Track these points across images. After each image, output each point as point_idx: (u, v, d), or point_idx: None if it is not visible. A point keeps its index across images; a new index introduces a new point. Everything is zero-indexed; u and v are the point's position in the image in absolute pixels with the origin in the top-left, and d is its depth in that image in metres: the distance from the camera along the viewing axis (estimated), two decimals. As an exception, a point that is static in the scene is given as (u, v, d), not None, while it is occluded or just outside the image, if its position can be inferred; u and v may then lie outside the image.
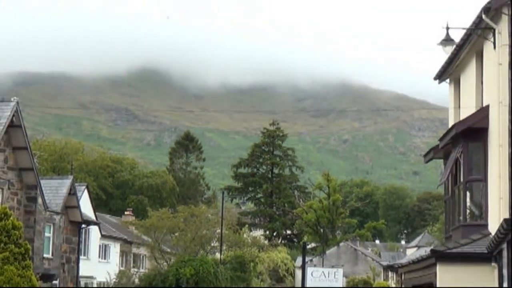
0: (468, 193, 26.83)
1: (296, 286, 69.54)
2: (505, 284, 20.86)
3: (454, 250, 24.48)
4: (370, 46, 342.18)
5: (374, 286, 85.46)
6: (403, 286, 35.22)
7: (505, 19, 23.55)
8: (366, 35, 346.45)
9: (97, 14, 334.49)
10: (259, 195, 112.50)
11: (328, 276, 32.50)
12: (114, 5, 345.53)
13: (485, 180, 25.61)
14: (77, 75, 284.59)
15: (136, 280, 61.75)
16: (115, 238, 72.45)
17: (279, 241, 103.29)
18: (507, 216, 21.22)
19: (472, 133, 25.84)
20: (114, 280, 62.73)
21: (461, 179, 27.05)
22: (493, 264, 22.81)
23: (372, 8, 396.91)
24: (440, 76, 31.08)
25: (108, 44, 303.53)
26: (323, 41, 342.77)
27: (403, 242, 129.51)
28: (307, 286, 32.00)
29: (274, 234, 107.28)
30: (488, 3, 23.77)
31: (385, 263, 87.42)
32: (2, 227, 35.24)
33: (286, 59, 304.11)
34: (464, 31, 26.47)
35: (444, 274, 24.05)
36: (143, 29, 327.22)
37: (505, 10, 23.47)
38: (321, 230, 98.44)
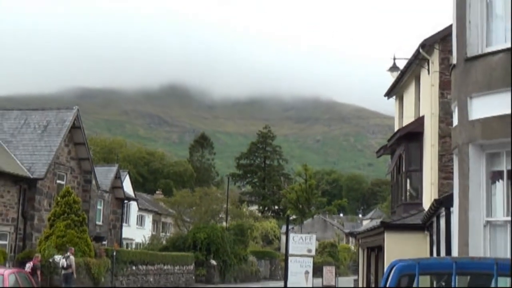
0: (408, 180, 26.68)
1: (281, 247, 69.96)
2: (434, 247, 20.90)
3: (397, 222, 24.75)
4: (338, 66, 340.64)
5: (339, 247, 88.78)
6: (360, 248, 34.45)
7: (436, 52, 23.65)
8: (334, 58, 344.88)
9: (136, 41, 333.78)
10: (255, 180, 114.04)
11: (305, 240, 30.22)
12: (150, 35, 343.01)
13: (420, 170, 25.43)
14: (121, 89, 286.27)
15: (164, 242, 62.52)
16: (148, 211, 73.00)
17: (269, 214, 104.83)
18: (436, 197, 20.87)
19: (412, 136, 25.83)
20: (148, 241, 62.79)
21: (403, 170, 27.11)
22: (425, 232, 22.79)
23: (340, 35, 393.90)
24: (389, 94, 31.25)
25: (144, 65, 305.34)
26: (302, 63, 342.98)
27: (360, 215, 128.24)
28: (290, 247, 30.02)
29: (266, 208, 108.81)
30: (424, 40, 23.85)
31: (347, 231, 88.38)
32: (66, 202, 37.11)
33: (275, 78, 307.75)
34: (406, 61, 26.49)
35: (390, 239, 24.00)
36: (170, 52, 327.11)
37: (436, 46, 23.55)
38: (300, 206, 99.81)
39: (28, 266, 31.83)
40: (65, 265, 33.38)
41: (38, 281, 31.51)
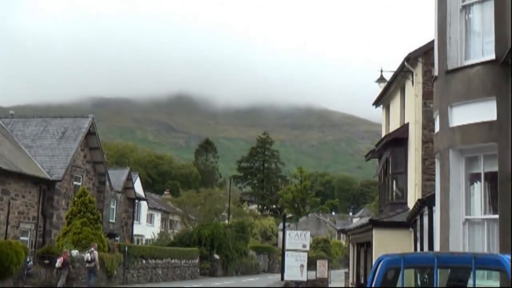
0: (394, 182, 26.49)
1: (279, 243, 69.59)
2: (418, 243, 20.64)
3: (385, 220, 24.51)
4: (329, 77, 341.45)
5: (331, 243, 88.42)
6: (350, 243, 34.12)
7: (419, 65, 23.64)
8: (326, 70, 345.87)
9: (146, 54, 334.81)
10: (254, 181, 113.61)
11: (300, 236, 30.80)
12: (158, 49, 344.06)
13: (405, 172, 25.29)
14: (132, 99, 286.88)
15: (171, 238, 62.25)
16: (157, 209, 72.97)
17: (268, 212, 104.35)
18: (420, 197, 20.81)
19: (397, 141, 25.68)
20: (156, 238, 62.92)
21: (390, 172, 26.86)
22: (410, 229, 22.59)
23: (330, 50, 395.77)
24: (377, 103, 30.96)
25: (153, 76, 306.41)
26: (297, 74, 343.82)
27: (350, 214, 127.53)
28: (286, 243, 30.58)
29: (264, 207, 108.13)
30: (409, 54, 23.80)
31: (338, 228, 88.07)
32: (82, 201, 37.25)
33: (272, 88, 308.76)
34: (392, 73, 26.52)
35: (378, 236, 23.71)
36: (177, 65, 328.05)
37: (420, 60, 23.55)
38: (296, 205, 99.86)
39: (59, 261, 32.29)
40: (89, 259, 33.80)
41: (68, 274, 32.56)
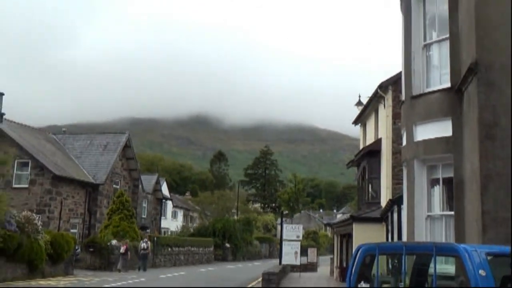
0: (370, 185, 26.43)
1: (277, 234, 69.56)
2: (389, 234, 20.47)
3: (362, 215, 24.61)
4: (320, 102, 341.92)
5: (319, 234, 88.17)
6: (335, 234, 34.13)
7: (390, 92, 23.71)
8: (314, 95, 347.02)
9: (170, 81, 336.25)
10: (258, 185, 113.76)
11: (294, 229, 30.70)
12: (181, 76, 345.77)
13: (379, 178, 25.34)
14: (160, 118, 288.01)
15: (191, 230, 62.09)
16: (180, 207, 72.78)
17: (268, 210, 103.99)
18: (390, 197, 21.06)
19: (372, 153, 25.74)
20: (179, 230, 62.81)
21: (366, 177, 26.84)
22: (383, 223, 22.53)
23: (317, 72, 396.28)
24: (356, 122, 31.12)
25: (177, 100, 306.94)
26: (292, 98, 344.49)
27: (335, 211, 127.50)
28: (283, 234, 30.37)
29: (266, 206, 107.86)
30: (381, 83, 23.98)
31: (325, 222, 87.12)
32: (120, 201, 37.33)
33: (271, 109, 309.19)
34: (368, 98, 26.87)
35: (357, 228, 23.82)
36: (195, 91, 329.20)
37: (390, 87, 23.65)
38: (291, 204, 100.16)
39: (123, 248, 33.20)
40: (144, 247, 34.92)
41: (128, 258, 33.47)
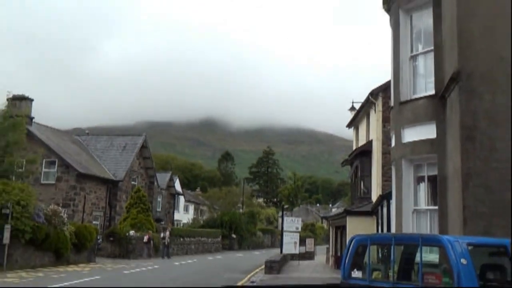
0: (362, 182, 26.28)
1: (278, 226, 69.51)
2: (379, 227, 20.37)
3: (355, 209, 24.48)
4: (317, 107, 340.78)
5: (316, 226, 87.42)
6: (330, 227, 34.09)
7: (380, 98, 23.67)
8: (312, 100, 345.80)
9: (182, 87, 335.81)
10: (261, 182, 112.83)
11: (294, 222, 30.54)
12: (193, 83, 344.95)
13: (370, 175, 25.25)
14: (173, 122, 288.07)
15: (201, 222, 61.62)
16: (191, 202, 72.43)
17: (270, 204, 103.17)
18: (380, 193, 21.02)
19: (364, 153, 25.62)
20: (191, 222, 62.96)
21: (359, 175, 26.73)
22: (374, 216, 22.46)
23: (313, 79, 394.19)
24: (350, 125, 31.08)
25: (189, 105, 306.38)
26: (291, 103, 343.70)
27: (330, 205, 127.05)
28: (284, 226, 30.13)
29: (268, 200, 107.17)
30: (372, 90, 23.97)
31: (321, 215, 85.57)
32: (137, 196, 37.22)
33: (272, 113, 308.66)
34: (360, 103, 26.74)
35: (350, 221, 23.70)
36: (205, 97, 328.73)
37: (380, 94, 23.60)
38: (291, 199, 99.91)
39: (146, 238, 33.95)
40: (165, 238, 35.74)
41: (151, 247, 34.23)
